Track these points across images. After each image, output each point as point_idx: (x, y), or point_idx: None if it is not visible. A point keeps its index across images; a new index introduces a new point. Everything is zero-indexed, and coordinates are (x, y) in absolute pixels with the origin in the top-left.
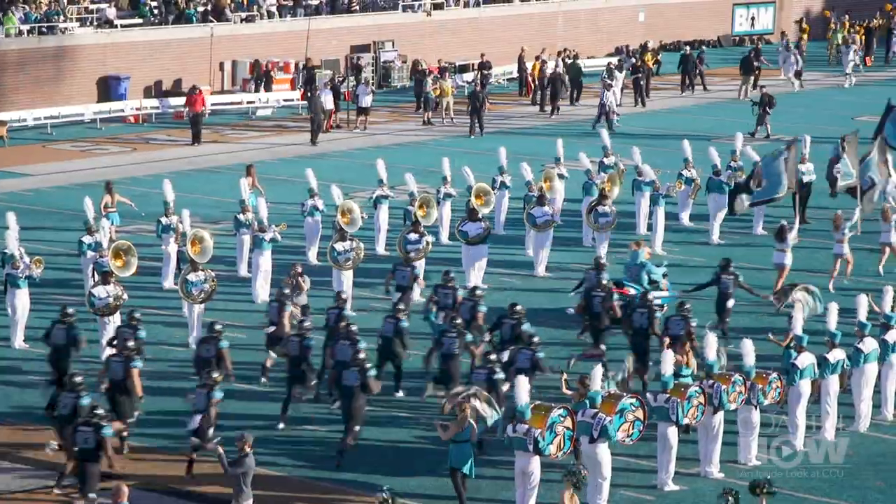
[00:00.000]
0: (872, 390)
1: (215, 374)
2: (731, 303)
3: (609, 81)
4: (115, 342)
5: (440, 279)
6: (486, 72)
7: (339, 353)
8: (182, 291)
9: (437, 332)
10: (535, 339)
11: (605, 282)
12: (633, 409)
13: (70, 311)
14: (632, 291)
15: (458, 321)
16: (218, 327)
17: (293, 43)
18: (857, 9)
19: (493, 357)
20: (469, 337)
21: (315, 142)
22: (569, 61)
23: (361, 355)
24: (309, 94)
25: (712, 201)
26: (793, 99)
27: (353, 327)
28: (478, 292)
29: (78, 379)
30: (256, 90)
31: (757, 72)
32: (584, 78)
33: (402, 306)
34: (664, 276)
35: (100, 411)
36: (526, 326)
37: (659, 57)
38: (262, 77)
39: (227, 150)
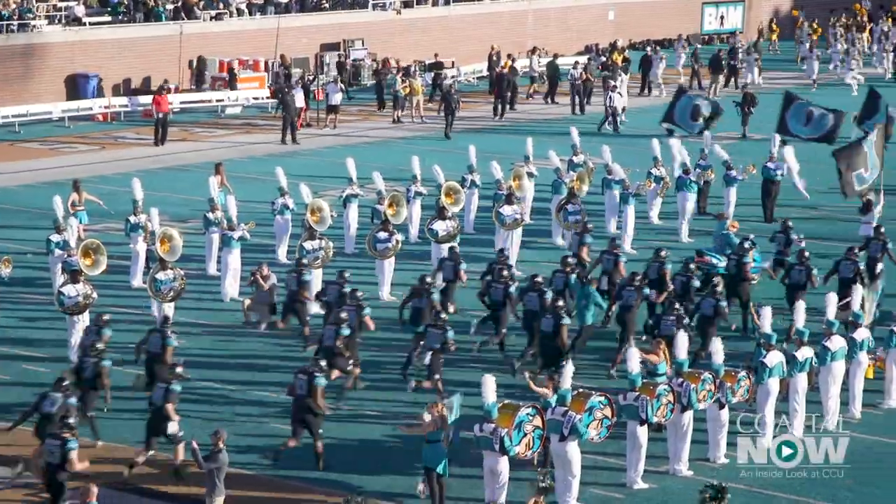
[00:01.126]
0: (840, 388)
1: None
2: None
3: (614, 83)
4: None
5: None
6: (439, 71)
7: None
8: (151, 290)
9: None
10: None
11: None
12: (602, 406)
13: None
14: (713, 261)
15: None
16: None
17: (263, 41)
18: (825, 8)
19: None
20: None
21: (294, 139)
22: (545, 59)
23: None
24: (283, 93)
25: (681, 199)
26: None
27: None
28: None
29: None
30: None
31: (729, 71)
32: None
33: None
34: (752, 246)
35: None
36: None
37: (626, 55)
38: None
39: (195, 148)
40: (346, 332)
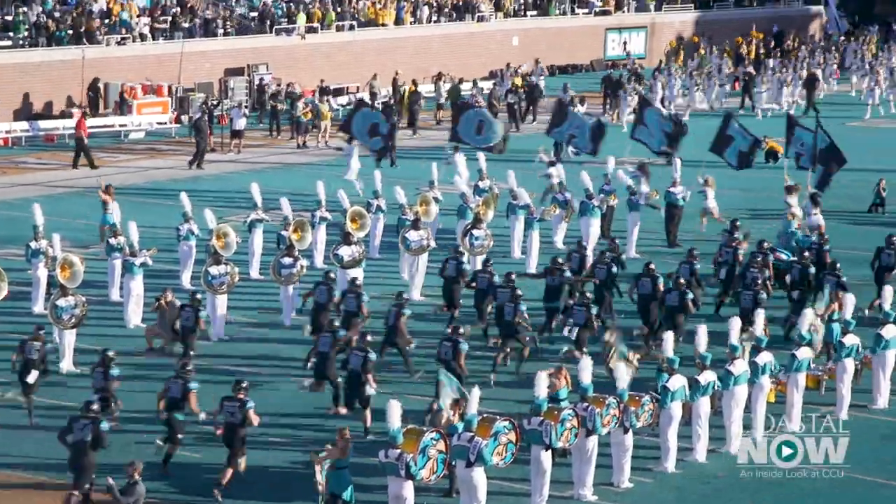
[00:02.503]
0: (743, 411)
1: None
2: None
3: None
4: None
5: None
6: (326, 97)
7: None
8: (52, 316)
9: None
10: None
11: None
12: (507, 431)
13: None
14: (783, 257)
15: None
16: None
17: (166, 66)
18: (725, 33)
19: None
20: (373, 356)
21: (199, 164)
22: (447, 84)
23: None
24: (198, 118)
25: (585, 224)
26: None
27: None
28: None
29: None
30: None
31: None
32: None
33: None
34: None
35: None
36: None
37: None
38: (122, 100)
39: (98, 173)
40: (372, 356)
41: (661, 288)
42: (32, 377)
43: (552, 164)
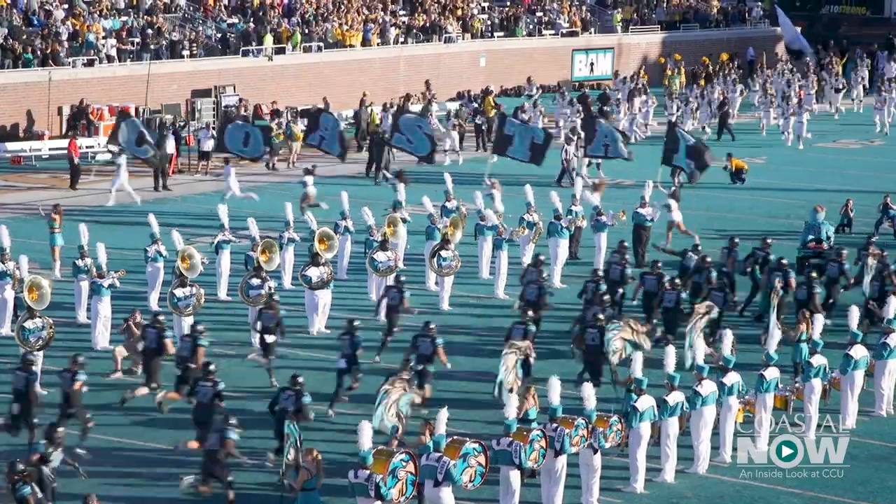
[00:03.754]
0: (711, 432)
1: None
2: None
3: (571, 136)
4: None
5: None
6: (279, 120)
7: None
8: (19, 339)
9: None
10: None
11: None
12: (476, 454)
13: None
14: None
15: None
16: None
17: (133, 87)
18: (691, 54)
19: None
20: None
21: (165, 186)
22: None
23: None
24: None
25: (553, 245)
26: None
27: None
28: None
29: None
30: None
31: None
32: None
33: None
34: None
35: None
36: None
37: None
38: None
39: (64, 195)
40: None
41: (667, 287)
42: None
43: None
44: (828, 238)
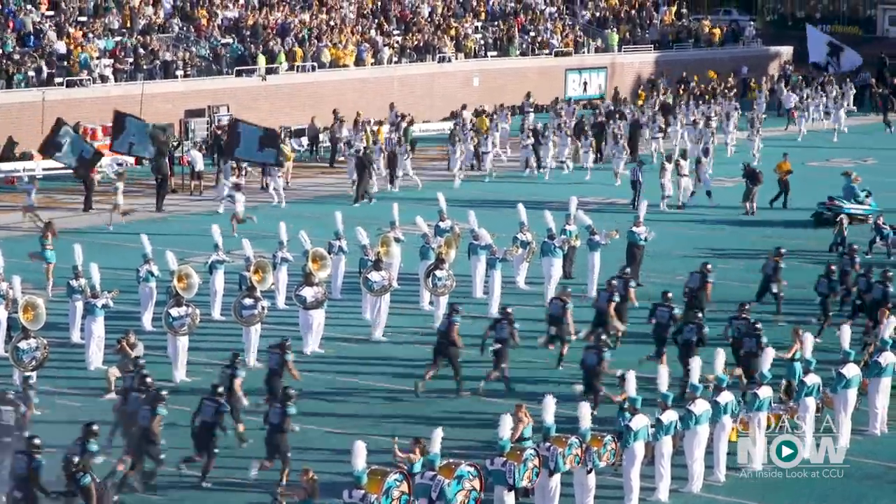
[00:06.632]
0: (704, 451)
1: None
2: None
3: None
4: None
5: None
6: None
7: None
8: (13, 359)
9: None
10: None
11: None
12: (471, 477)
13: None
14: (840, 203)
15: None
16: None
17: (127, 107)
18: (685, 72)
19: None
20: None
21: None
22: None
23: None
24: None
25: (546, 265)
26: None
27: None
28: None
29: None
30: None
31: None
32: (420, 143)
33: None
34: (867, 195)
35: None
36: None
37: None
38: None
39: (59, 215)
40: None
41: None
42: None
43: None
44: (864, 198)
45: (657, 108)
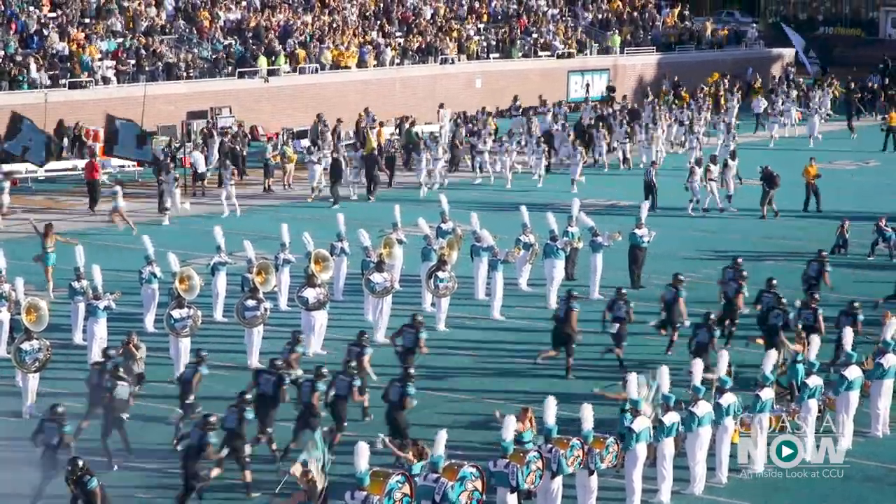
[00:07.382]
0: (706, 453)
1: None
2: None
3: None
4: None
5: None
6: (274, 141)
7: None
8: (15, 360)
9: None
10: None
11: None
12: (474, 478)
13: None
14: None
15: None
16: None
17: (129, 108)
18: (687, 76)
19: None
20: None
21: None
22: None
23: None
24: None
25: (549, 266)
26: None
27: None
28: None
29: None
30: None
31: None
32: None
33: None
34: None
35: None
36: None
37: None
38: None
39: (60, 217)
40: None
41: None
42: None
43: None
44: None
45: (626, 112)
